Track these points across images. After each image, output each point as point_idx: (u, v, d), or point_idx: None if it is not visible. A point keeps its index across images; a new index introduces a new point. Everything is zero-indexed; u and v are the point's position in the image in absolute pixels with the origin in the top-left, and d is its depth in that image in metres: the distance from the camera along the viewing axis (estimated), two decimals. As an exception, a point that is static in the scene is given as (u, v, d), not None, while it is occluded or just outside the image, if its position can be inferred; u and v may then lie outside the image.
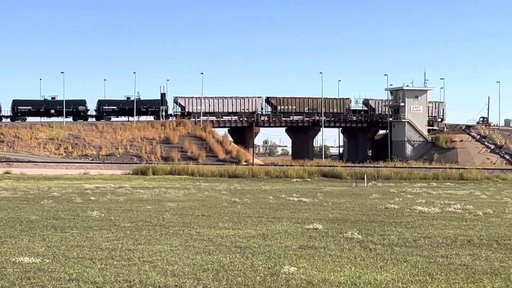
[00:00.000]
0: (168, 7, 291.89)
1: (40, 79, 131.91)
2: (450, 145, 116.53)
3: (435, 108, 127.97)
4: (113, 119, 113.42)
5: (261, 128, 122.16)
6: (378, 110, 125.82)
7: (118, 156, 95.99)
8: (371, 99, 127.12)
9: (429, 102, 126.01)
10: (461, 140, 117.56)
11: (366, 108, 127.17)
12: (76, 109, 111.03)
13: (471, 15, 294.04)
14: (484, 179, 64.97)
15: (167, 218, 24.15)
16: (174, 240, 18.34)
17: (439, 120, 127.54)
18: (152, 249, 16.65)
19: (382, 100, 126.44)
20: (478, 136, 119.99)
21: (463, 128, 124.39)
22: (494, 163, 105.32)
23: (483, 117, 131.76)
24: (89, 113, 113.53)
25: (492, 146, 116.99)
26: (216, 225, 22.05)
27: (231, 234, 19.63)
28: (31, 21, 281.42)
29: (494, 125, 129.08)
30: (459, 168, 74.15)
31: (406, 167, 76.27)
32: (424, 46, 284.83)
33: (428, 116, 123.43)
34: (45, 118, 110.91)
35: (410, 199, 36.33)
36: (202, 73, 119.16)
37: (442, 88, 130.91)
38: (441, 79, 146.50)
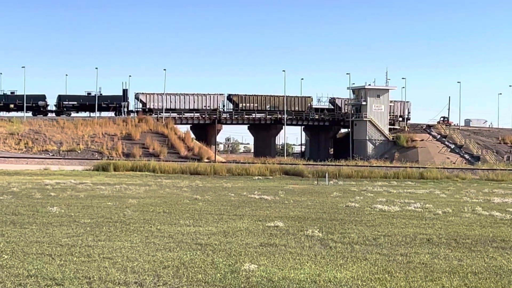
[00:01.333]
0: (130, 4, 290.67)
1: (1, 73, 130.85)
2: (411, 144, 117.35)
3: (401, 107, 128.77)
4: (74, 114, 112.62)
5: (223, 125, 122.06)
6: (345, 109, 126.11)
7: (79, 152, 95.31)
8: (337, 98, 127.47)
9: (395, 101, 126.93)
10: (422, 140, 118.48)
11: (332, 107, 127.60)
12: (35, 104, 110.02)
13: (433, 15, 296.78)
14: (444, 178, 65.52)
15: (128, 214, 24.04)
16: (135, 236, 18.27)
17: (400, 119, 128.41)
18: (112, 245, 16.57)
19: (348, 98, 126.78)
20: (439, 136, 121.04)
21: (424, 127, 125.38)
22: (454, 163, 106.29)
23: (444, 117, 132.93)
24: (49, 108, 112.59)
25: (452, 146, 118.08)
26: (177, 222, 22.00)
27: (192, 231, 19.60)
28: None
29: (454, 125, 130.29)
30: (419, 167, 74.68)
31: (367, 166, 76.69)
32: (386, 46, 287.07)
33: (390, 115, 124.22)
34: (4, 112, 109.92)
35: (371, 197, 36.52)
36: (165, 70, 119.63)
37: (403, 87, 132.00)
38: (403, 78, 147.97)
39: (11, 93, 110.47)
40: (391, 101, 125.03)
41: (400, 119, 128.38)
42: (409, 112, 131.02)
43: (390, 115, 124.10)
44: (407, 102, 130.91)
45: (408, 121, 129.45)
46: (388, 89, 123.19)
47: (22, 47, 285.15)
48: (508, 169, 75.10)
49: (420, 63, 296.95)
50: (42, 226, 20.14)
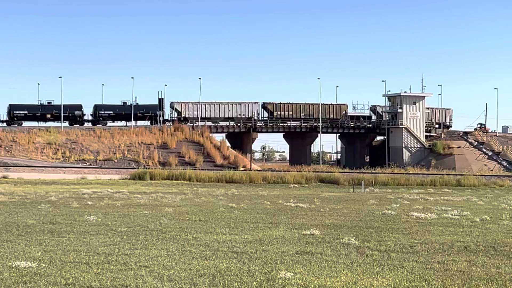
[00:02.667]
0: (166, 12, 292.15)
1: (38, 84, 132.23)
2: (447, 151, 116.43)
3: (441, 114, 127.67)
4: (109, 124, 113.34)
5: (258, 134, 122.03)
6: (385, 117, 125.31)
7: (116, 161, 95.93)
8: (378, 106, 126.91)
9: (435, 108, 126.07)
10: (459, 147, 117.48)
11: (370, 114, 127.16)
12: (72, 114, 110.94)
13: (469, 21, 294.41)
14: (482, 185, 65.00)
15: (164, 223, 24.13)
16: (171, 245, 18.33)
17: (437, 126, 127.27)
18: (149, 254, 16.64)
19: (387, 106, 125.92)
20: (476, 143, 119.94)
21: (460, 134, 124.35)
22: (491, 170, 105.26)
23: (481, 124, 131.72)
24: (85, 117, 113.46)
25: (490, 153, 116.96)
26: (213, 230, 22.04)
27: (228, 239, 19.61)
28: (29, 25, 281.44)
29: (491, 132, 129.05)
30: (456, 175, 74.14)
31: (403, 173, 76.24)
32: (422, 52, 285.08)
33: (428, 122, 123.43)
34: (41, 122, 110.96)
35: (407, 205, 36.32)
36: (200, 78, 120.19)
37: (439, 94, 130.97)
38: (439, 85, 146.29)
39: (48, 103, 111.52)
40: (430, 108, 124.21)
41: (437, 126, 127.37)
42: (450, 119, 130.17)
43: (428, 122, 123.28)
44: (449, 109, 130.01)
45: (450, 128, 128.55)
46: (424, 96, 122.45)
47: (59, 58, 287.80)
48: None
49: (456, 70, 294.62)
50: (79, 235, 20.29)
